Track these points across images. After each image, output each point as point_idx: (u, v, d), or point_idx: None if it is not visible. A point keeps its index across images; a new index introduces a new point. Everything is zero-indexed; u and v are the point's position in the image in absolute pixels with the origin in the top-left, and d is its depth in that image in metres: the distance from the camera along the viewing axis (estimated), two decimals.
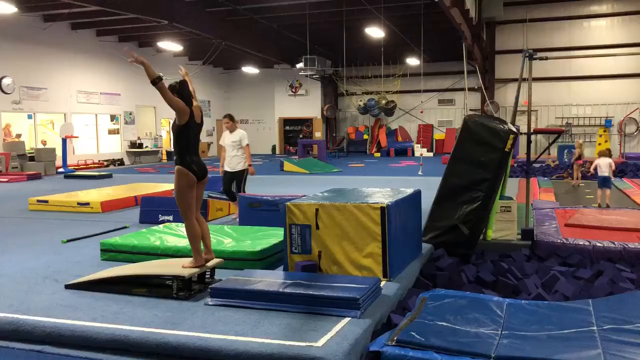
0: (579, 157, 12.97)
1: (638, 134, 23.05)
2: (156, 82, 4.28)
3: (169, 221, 7.47)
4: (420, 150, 20.29)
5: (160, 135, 25.01)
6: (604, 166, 9.37)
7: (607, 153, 9.79)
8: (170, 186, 11.23)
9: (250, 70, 26.58)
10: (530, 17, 23.22)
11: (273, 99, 28.76)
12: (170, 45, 20.90)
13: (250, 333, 3.50)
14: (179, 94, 4.50)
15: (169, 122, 25.78)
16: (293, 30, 21.83)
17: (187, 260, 4.58)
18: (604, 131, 22.67)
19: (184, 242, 5.54)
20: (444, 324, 3.75)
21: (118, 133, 22.81)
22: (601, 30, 22.97)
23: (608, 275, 5.16)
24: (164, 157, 24.65)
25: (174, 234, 6.04)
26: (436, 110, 26.06)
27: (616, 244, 6.03)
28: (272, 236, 5.75)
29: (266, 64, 26.05)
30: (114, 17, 17.31)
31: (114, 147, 22.66)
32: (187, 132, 4.57)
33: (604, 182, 9.36)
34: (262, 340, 3.38)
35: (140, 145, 23.39)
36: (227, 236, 5.88)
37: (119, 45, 22.00)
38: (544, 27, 23.31)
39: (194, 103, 4.67)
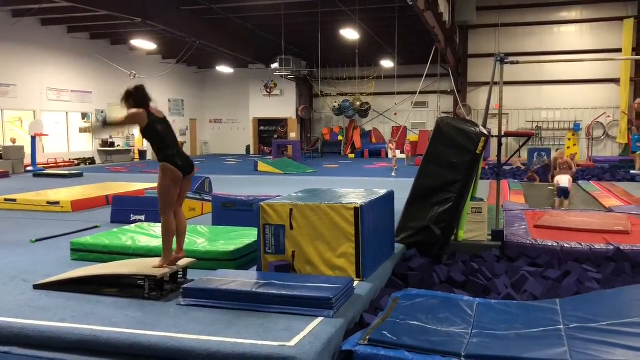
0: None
1: (605, 138, 23.62)
2: (106, 124, 4.43)
3: (141, 221, 7.38)
4: (394, 152, 20.51)
5: (133, 134, 24.69)
6: (564, 180, 10.21)
7: (567, 169, 10.67)
8: (142, 185, 11.12)
9: (224, 69, 26.44)
10: (502, 21, 23.60)
11: (247, 98, 28.65)
12: (143, 44, 20.66)
13: (223, 333, 3.49)
14: (134, 97, 4.48)
15: None
16: (268, 30, 21.80)
17: (158, 260, 4.54)
18: (573, 135, 23.18)
19: (156, 242, 5.48)
20: (416, 323, 3.80)
21: (89, 131, 22.45)
22: (570, 36, 23.47)
23: (575, 275, 5.29)
24: (136, 156, 24.34)
25: (146, 234, 5.97)
26: (410, 112, 26.30)
27: (583, 245, 6.18)
28: (245, 236, 5.74)
29: (241, 63, 25.96)
30: (86, 14, 17.04)
31: (85, 145, 22.30)
32: (153, 130, 4.55)
33: (563, 193, 10.03)
34: (235, 340, 3.37)
35: (112, 144, 23.06)
36: (200, 236, 5.85)
37: (91, 42, 21.68)
38: (516, 32, 23.73)
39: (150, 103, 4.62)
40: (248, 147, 29.24)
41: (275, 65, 23.64)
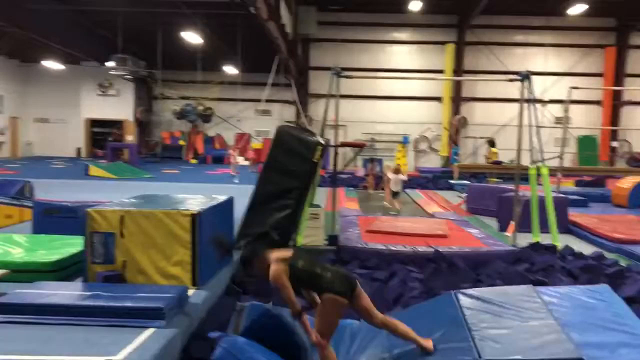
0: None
1: (429, 150, 25.93)
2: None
3: None
4: (237, 159, 20.50)
5: None
6: (395, 182, 11.42)
7: (398, 170, 11.80)
8: None
9: (52, 65, 24.30)
10: (341, 37, 24.81)
11: (79, 97, 26.64)
12: None
13: (40, 351, 3.18)
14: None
15: None
16: (104, 26, 20.53)
17: None
18: (402, 147, 25.10)
19: None
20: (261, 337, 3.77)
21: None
22: (401, 56, 25.42)
23: (400, 276, 5.70)
24: None
25: None
26: (254, 119, 26.49)
27: (407, 247, 6.70)
28: (70, 245, 5.30)
29: (72, 59, 24.05)
30: None
31: None
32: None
33: (395, 195, 11.43)
34: (54, 357, 3.10)
35: None
36: (17, 246, 5.28)
37: None
38: (353, 48, 25.09)
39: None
40: (79, 150, 27.17)
41: (111, 64, 22.27)
